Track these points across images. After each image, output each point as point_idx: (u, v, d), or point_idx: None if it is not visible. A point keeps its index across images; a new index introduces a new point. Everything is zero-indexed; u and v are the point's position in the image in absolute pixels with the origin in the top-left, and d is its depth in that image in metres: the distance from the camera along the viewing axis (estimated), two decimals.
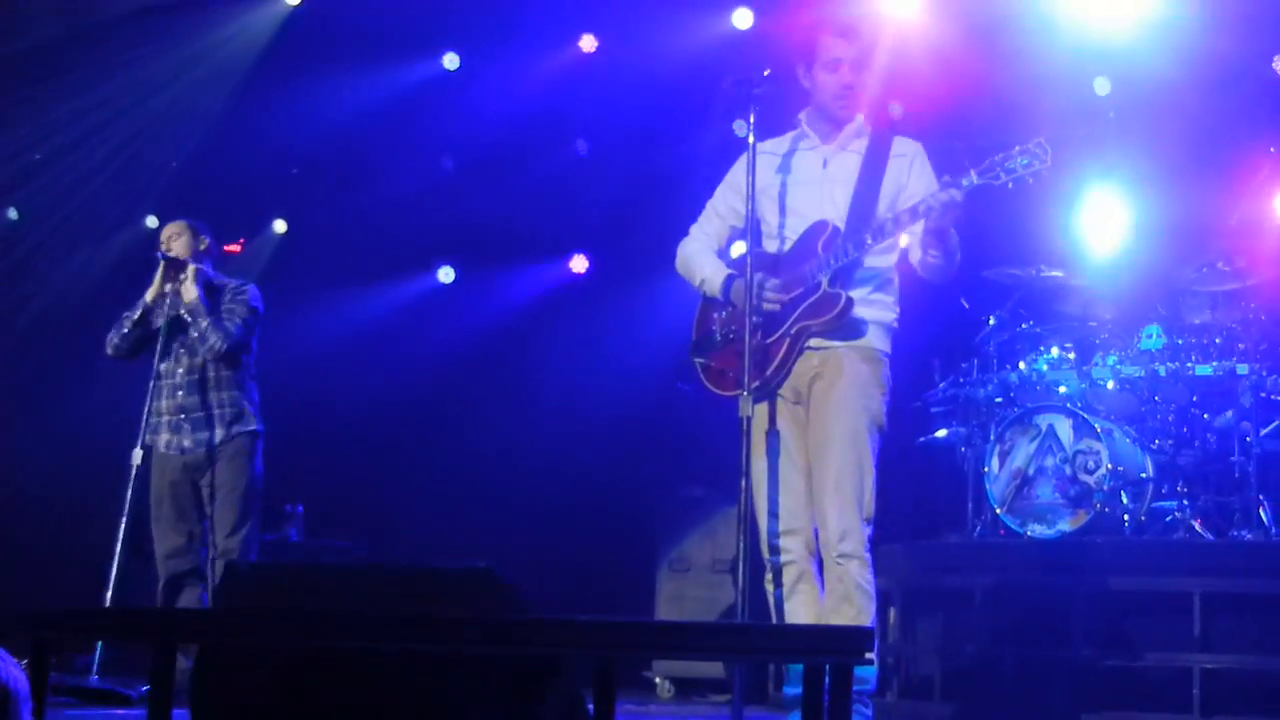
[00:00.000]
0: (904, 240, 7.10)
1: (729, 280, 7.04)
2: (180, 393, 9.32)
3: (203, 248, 9.66)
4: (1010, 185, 6.56)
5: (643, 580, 11.95)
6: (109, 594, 9.00)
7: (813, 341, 6.87)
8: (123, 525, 9.11)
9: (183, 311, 9.36)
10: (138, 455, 9.22)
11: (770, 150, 7.06)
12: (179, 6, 13.82)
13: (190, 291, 9.37)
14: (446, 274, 14.57)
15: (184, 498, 9.28)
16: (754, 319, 6.75)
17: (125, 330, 9.45)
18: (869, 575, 6.77)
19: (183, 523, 9.27)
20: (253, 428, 9.39)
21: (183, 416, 9.28)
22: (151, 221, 13.83)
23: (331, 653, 4.74)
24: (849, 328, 6.86)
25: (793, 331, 6.85)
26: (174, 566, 9.21)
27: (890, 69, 11.71)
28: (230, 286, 9.59)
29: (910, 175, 7.01)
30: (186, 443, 9.26)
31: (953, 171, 6.72)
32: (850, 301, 6.79)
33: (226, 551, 9.10)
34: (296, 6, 14.00)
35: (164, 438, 9.32)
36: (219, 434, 9.26)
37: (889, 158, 7.03)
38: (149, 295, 9.44)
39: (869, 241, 6.76)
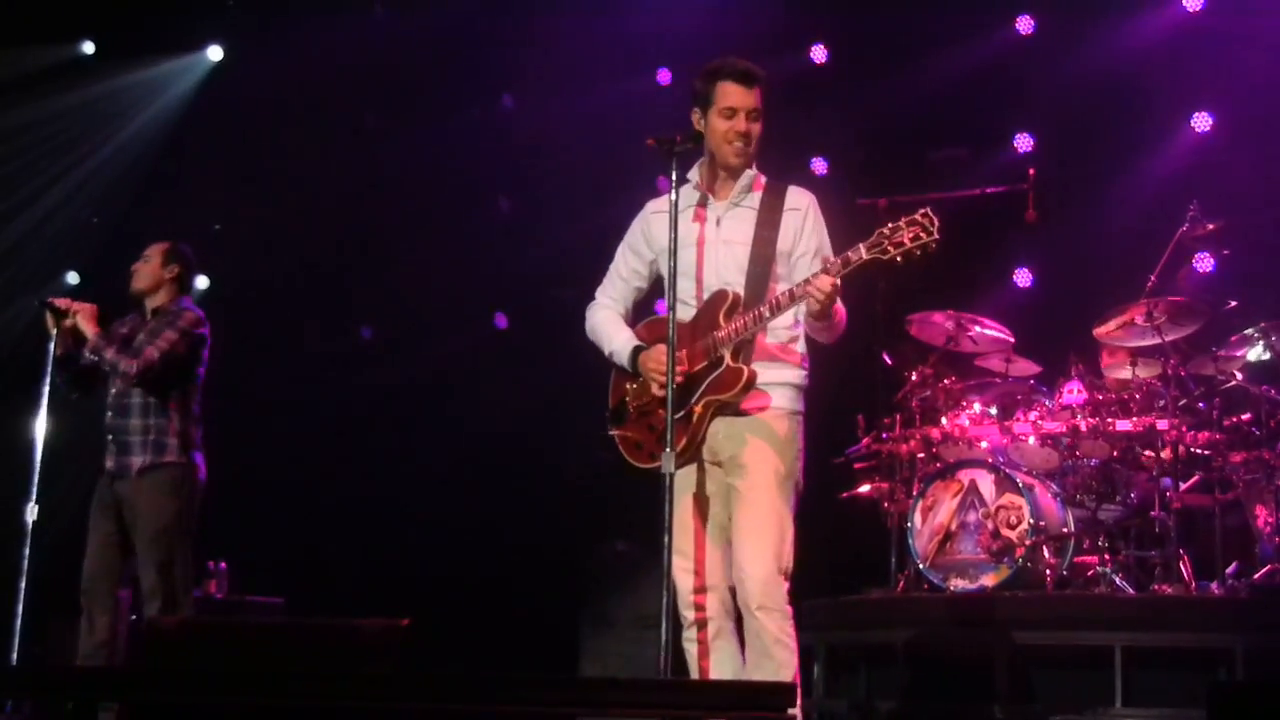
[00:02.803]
0: None
1: (635, 352, 7.05)
2: (109, 414, 9.10)
3: (170, 276, 9.30)
4: (899, 260, 6.50)
5: (566, 636, 11.92)
6: (14, 654, 8.84)
7: (724, 410, 6.87)
8: (22, 582, 8.92)
9: (87, 353, 9.04)
10: (32, 511, 9.02)
11: (666, 210, 6.95)
12: (100, 61, 13.82)
13: (87, 329, 9.02)
14: (368, 330, 14.54)
15: (110, 522, 9.06)
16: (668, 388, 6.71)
17: (62, 377, 9.24)
18: (789, 629, 6.73)
19: (105, 548, 9.06)
20: (172, 459, 8.99)
21: (110, 438, 9.08)
22: (72, 277, 13.76)
23: (253, 709, 4.71)
24: (757, 397, 6.86)
25: (700, 405, 6.84)
26: (89, 590, 8.98)
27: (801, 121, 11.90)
28: (170, 311, 9.23)
29: (804, 229, 6.97)
30: (110, 464, 9.05)
31: (841, 247, 6.71)
32: (753, 376, 6.77)
33: (152, 594, 8.84)
34: (219, 62, 14.03)
35: (105, 459, 9.13)
36: (137, 460, 8.94)
37: (783, 212, 6.98)
38: (56, 349, 9.18)
39: (766, 315, 6.74)
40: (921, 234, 6.43)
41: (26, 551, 8.94)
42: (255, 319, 13.62)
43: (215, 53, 14.07)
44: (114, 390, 9.15)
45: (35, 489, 9.05)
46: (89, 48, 13.89)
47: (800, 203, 7.01)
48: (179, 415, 9.09)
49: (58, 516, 9.31)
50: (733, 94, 6.97)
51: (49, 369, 9.15)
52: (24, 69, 13.48)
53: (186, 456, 9.06)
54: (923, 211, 6.46)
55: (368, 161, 13.97)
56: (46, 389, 9.13)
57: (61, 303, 9.15)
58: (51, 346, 9.15)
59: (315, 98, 13.65)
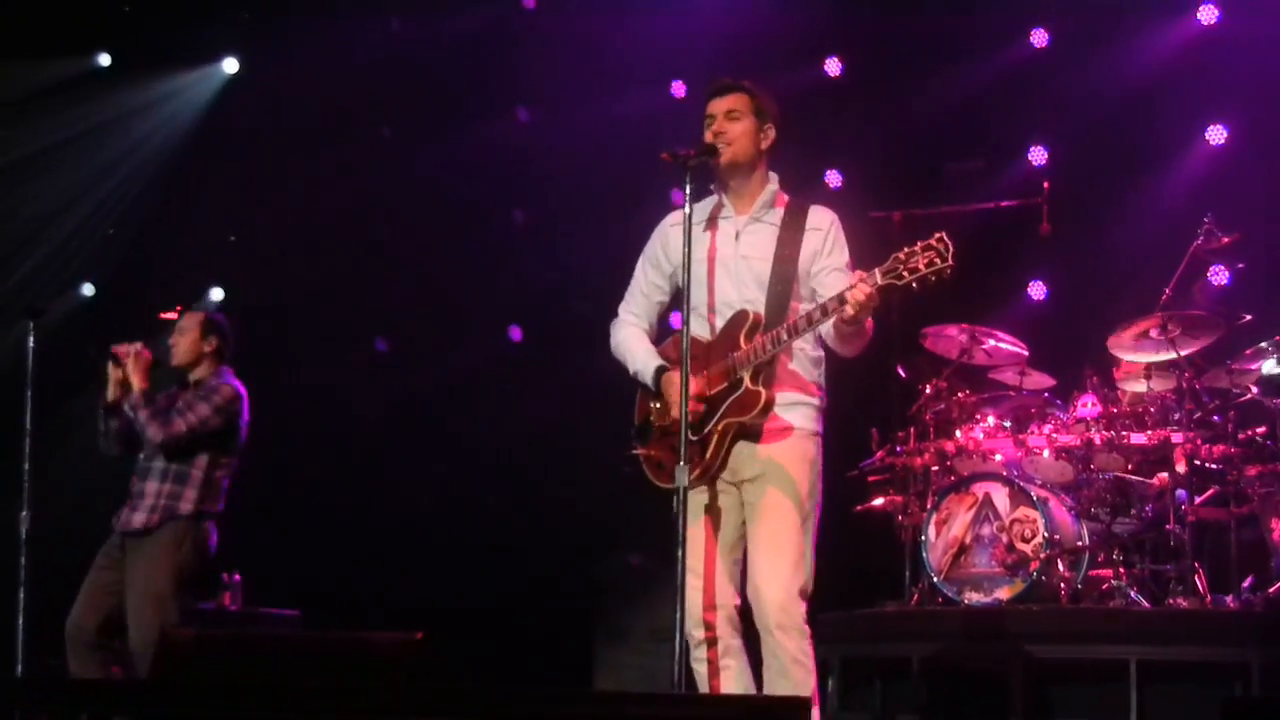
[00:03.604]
0: None
1: (658, 372, 7.03)
2: (134, 477, 9.15)
3: (210, 349, 9.29)
4: (914, 286, 6.45)
5: (580, 650, 11.92)
6: (19, 666, 8.84)
7: (744, 433, 6.88)
8: (21, 594, 8.92)
9: (126, 406, 9.03)
10: (25, 519, 9.01)
11: (683, 223, 6.96)
12: (116, 73, 13.84)
13: (134, 380, 9.00)
14: (383, 342, 14.54)
15: (110, 573, 9.05)
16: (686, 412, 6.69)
17: (102, 429, 9.25)
18: (807, 648, 6.73)
19: (96, 592, 9.01)
20: (186, 510, 8.99)
21: (128, 500, 9.06)
22: (88, 289, 13.77)
23: None
24: (777, 421, 6.86)
25: (719, 428, 6.84)
26: (73, 639, 8.93)
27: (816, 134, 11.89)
28: (207, 385, 9.22)
29: (825, 248, 6.95)
30: (120, 521, 9.00)
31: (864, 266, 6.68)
32: (771, 399, 6.77)
33: (136, 645, 8.78)
34: (235, 74, 14.05)
35: (121, 514, 9.11)
36: (142, 519, 8.92)
37: (804, 231, 6.97)
38: (109, 395, 9.18)
39: (785, 338, 6.72)
40: (936, 259, 6.40)
41: (23, 562, 8.95)
42: (270, 331, 13.63)
43: (231, 65, 14.09)
44: (143, 454, 9.15)
45: (26, 498, 9.05)
46: (105, 60, 13.91)
47: (822, 223, 7.00)
48: (197, 487, 9.08)
49: (55, 526, 9.31)
50: (710, 105, 7.05)
51: (30, 382, 9.13)
52: (39, 82, 13.50)
53: (193, 520, 9.06)
54: (938, 237, 6.43)
55: (383, 173, 13.98)
56: (30, 394, 9.11)
57: (123, 350, 9.15)
58: (107, 395, 9.18)
59: (331, 110, 13.66)
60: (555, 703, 4.57)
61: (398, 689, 4.60)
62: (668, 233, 7.19)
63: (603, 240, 12.05)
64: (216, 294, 14.29)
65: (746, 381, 6.78)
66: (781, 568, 6.72)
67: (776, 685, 6.70)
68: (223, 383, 9.23)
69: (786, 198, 7.09)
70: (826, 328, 6.79)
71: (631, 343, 7.22)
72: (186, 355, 9.33)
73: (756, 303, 6.88)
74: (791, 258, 6.91)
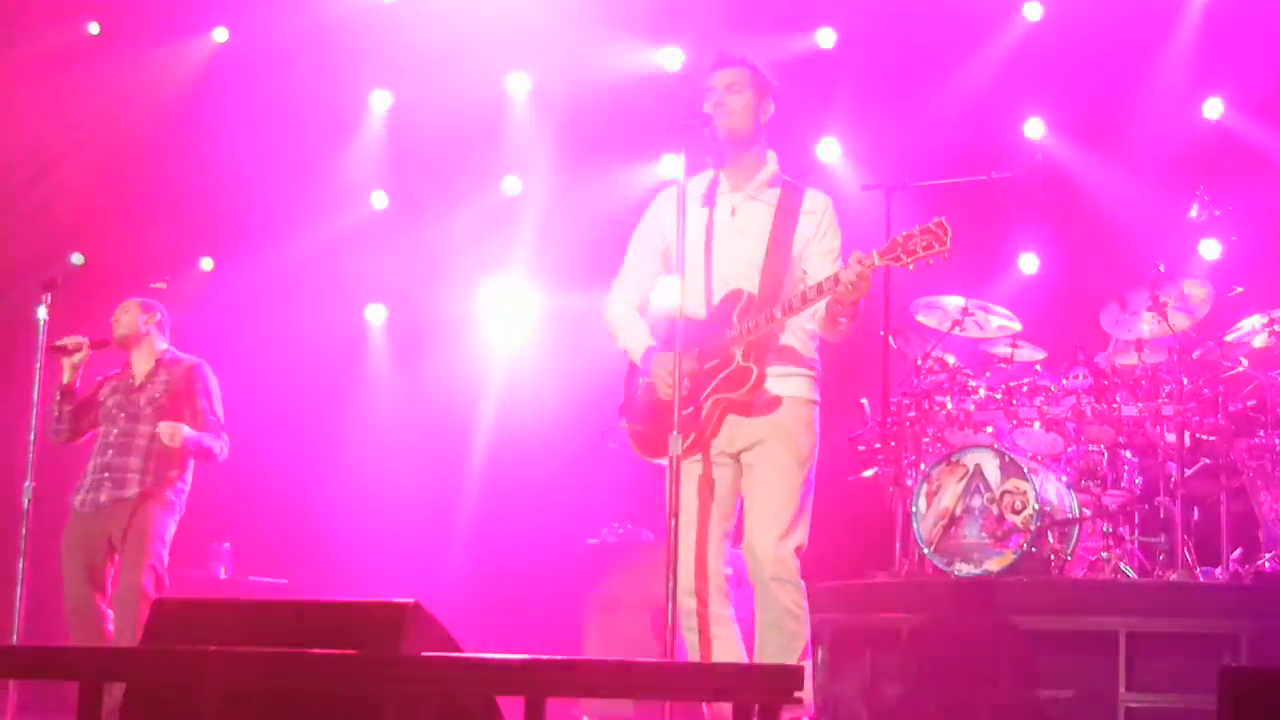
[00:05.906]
0: None
1: (648, 353, 7.04)
2: (110, 451, 9.23)
3: (149, 323, 9.55)
4: (912, 267, 6.55)
5: (570, 619, 11.91)
6: (14, 636, 8.88)
7: (735, 408, 6.90)
8: (20, 563, 8.97)
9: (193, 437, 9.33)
10: (28, 489, 9.07)
11: (678, 195, 6.96)
12: (107, 41, 13.80)
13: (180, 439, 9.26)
14: (375, 311, 14.50)
15: (95, 551, 9.16)
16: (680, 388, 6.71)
17: (55, 414, 9.39)
18: (802, 601, 6.79)
19: (92, 573, 9.15)
20: (165, 488, 9.26)
21: (106, 475, 9.18)
22: (77, 258, 13.72)
23: (259, 689, 4.71)
24: (767, 394, 6.89)
25: (709, 403, 6.87)
26: (80, 612, 9.07)
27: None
28: (183, 367, 9.50)
29: (819, 231, 7.00)
30: (103, 498, 9.14)
31: (862, 247, 6.70)
32: (762, 377, 6.82)
33: (130, 586, 9.02)
34: (224, 43, 14.01)
35: (82, 496, 9.22)
36: (134, 491, 9.15)
37: (799, 214, 7.01)
38: (65, 379, 9.38)
39: (778, 315, 6.76)
40: (935, 243, 6.50)
41: (24, 531, 8.99)
42: (259, 299, 13.61)
43: (221, 34, 14.05)
44: (116, 430, 9.26)
45: (30, 468, 9.10)
46: (94, 29, 13.88)
47: (817, 206, 7.05)
48: (179, 454, 9.30)
49: (57, 495, 9.35)
50: (710, 77, 7.08)
51: (40, 353, 9.21)
52: (31, 49, 13.47)
53: (181, 482, 9.33)
54: (937, 221, 6.52)
55: (376, 139, 13.98)
56: (39, 364, 9.19)
57: (71, 344, 9.30)
58: (64, 378, 9.40)
59: (322, 78, 13.64)
60: (546, 671, 4.57)
61: (389, 656, 4.60)
62: (661, 209, 7.21)
63: (602, 210, 12.06)
64: (206, 264, 14.26)
65: (738, 358, 6.81)
66: (777, 522, 6.78)
67: (769, 637, 6.76)
68: (196, 364, 9.57)
69: (784, 178, 7.10)
70: (818, 309, 6.80)
71: (623, 320, 7.24)
72: (129, 329, 9.57)
73: (750, 281, 6.92)
74: (786, 239, 6.95)
